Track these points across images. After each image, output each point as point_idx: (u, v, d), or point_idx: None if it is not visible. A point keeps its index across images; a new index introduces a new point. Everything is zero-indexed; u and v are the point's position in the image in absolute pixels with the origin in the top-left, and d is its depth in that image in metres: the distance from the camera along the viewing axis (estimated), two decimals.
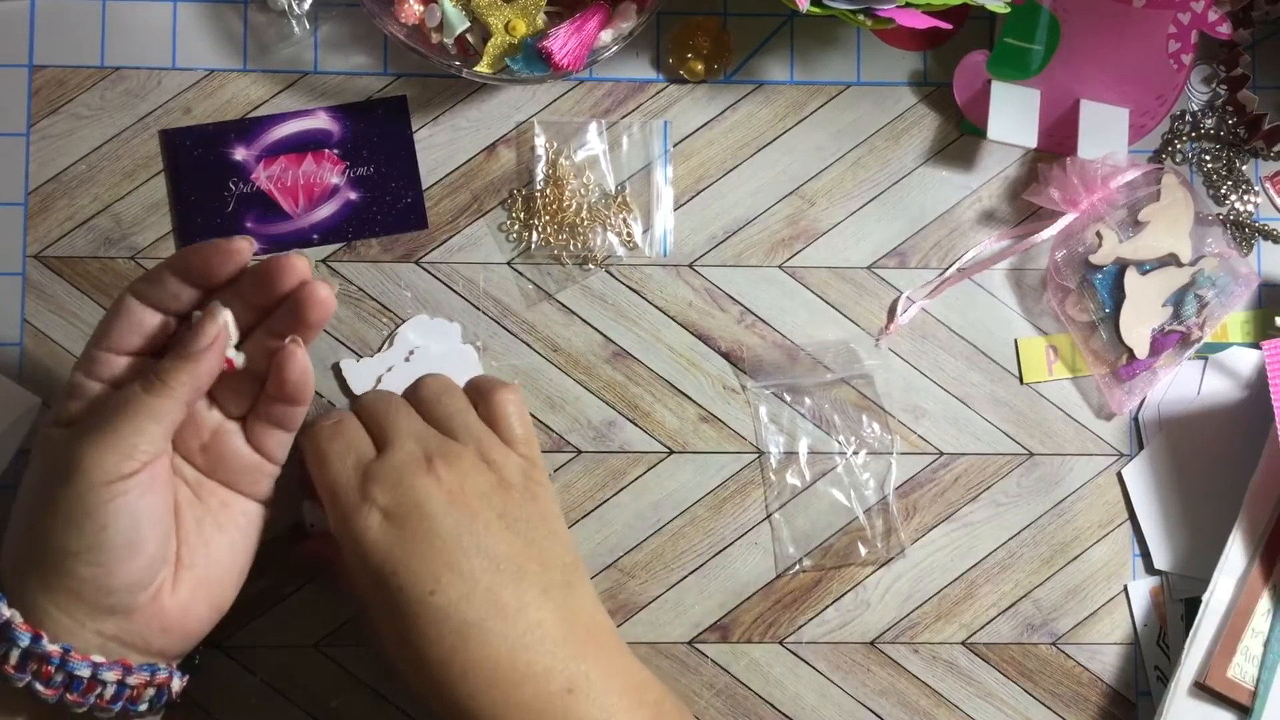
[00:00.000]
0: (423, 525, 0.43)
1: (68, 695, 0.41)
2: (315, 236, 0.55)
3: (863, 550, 0.56)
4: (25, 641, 0.41)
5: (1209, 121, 0.58)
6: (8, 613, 0.41)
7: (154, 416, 0.42)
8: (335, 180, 0.55)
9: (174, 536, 0.44)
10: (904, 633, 0.56)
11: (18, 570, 0.42)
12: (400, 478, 0.44)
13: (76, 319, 0.55)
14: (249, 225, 0.55)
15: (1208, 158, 0.58)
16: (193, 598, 0.44)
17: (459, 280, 0.56)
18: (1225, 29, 0.56)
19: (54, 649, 0.41)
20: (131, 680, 0.42)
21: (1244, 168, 0.58)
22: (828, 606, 0.56)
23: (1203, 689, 0.53)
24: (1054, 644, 0.56)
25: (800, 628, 0.55)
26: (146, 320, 0.44)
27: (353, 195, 0.55)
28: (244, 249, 0.44)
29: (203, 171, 0.55)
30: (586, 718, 0.43)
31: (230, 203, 0.55)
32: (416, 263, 0.56)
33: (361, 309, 0.55)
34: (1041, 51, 0.57)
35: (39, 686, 0.41)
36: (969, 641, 0.56)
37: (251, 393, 0.46)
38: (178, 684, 0.45)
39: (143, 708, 0.43)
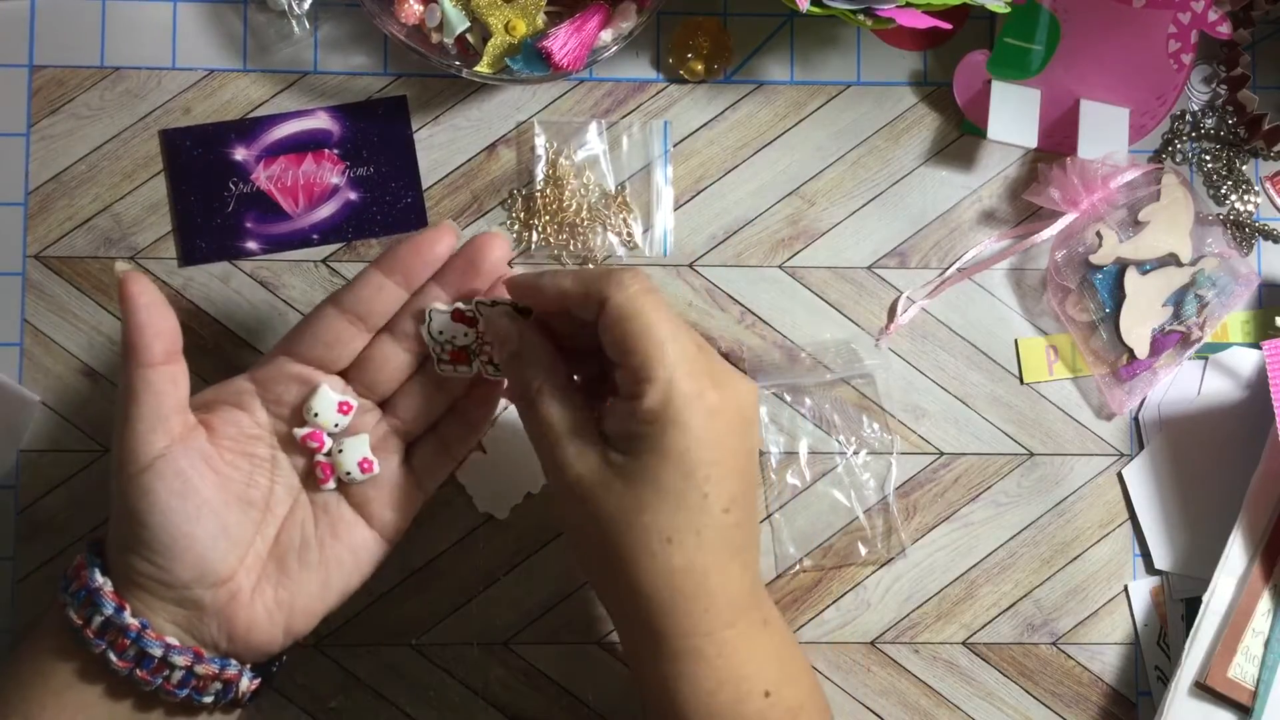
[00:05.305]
0: (747, 427, 0.43)
1: (137, 671, 0.42)
2: (315, 236, 0.55)
3: (863, 550, 0.56)
4: (109, 610, 0.42)
5: (1209, 121, 0.58)
6: (100, 580, 0.42)
7: (146, 394, 0.42)
8: (335, 180, 0.55)
9: (241, 545, 0.44)
10: (904, 633, 0.56)
11: (114, 548, 0.43)
12: (722, 379, 0.42)
13: (76, 319, 0.55)
14: (249, 225, 0.55)
15: (1208, 158, 0.58)
16: (268, 618, 0.44)
17: None
18: (1225, 29, 0.56)
19: (133, 622, 0.42)
20: (199, 669, 0.43)
21: (1244, 168, 0.58)
22: (828, 606, 0.55)
23: (1203, 689, 0.53)
24: (1054, 644, 0.56)
25: (800, 628, 0.55)
26: (336, 331, 0.45)
27: (353, 195, 0.55)
28: (449, 233, 0.46)
29: (203, 171, 0.55)
30: (777, 644, 0.44)
31: (230, 203, 0.55)
32: None
33: None
34: (1041, 51, 0.57)
35: (112, 656, 0.42)
36: (969, 641, 0.56)
37: (428, 413, 0.47)
38: (246, 683, 0.45)
39: (208, 699, 0.44)
